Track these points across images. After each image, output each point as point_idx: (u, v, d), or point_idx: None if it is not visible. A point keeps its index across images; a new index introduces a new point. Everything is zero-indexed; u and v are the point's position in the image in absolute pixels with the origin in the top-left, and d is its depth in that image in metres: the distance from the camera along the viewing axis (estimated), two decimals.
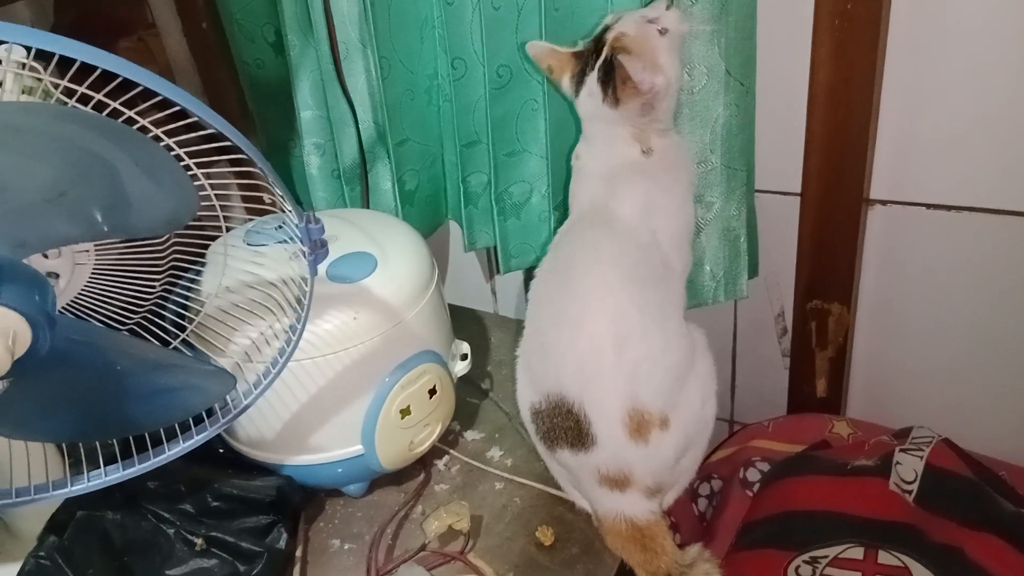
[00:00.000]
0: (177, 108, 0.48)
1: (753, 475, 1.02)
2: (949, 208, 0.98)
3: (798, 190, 1.03)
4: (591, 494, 0.79)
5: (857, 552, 0.83)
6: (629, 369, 0.76)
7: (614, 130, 0.87)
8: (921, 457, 0.92)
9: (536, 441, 0.85)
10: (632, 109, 0.84)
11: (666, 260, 0.85)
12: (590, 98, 0.87)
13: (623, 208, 0.84)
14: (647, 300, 0.80)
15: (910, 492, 0.89)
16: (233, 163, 0.58)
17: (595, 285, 0.80)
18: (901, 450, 0.93)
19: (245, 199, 0.69)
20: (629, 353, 0.77)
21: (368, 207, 1.11)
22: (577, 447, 0.78)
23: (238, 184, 0.64)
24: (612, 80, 0.84)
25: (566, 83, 0.89)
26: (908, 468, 0.91)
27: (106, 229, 0.54)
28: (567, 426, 0.78)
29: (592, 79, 0.86)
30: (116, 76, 0.45)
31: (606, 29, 0.85)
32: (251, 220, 0.83)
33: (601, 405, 0.77)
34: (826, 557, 0.84)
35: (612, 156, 0.87)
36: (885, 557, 0.82)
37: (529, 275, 1.25)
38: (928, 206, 0.99)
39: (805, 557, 0.85)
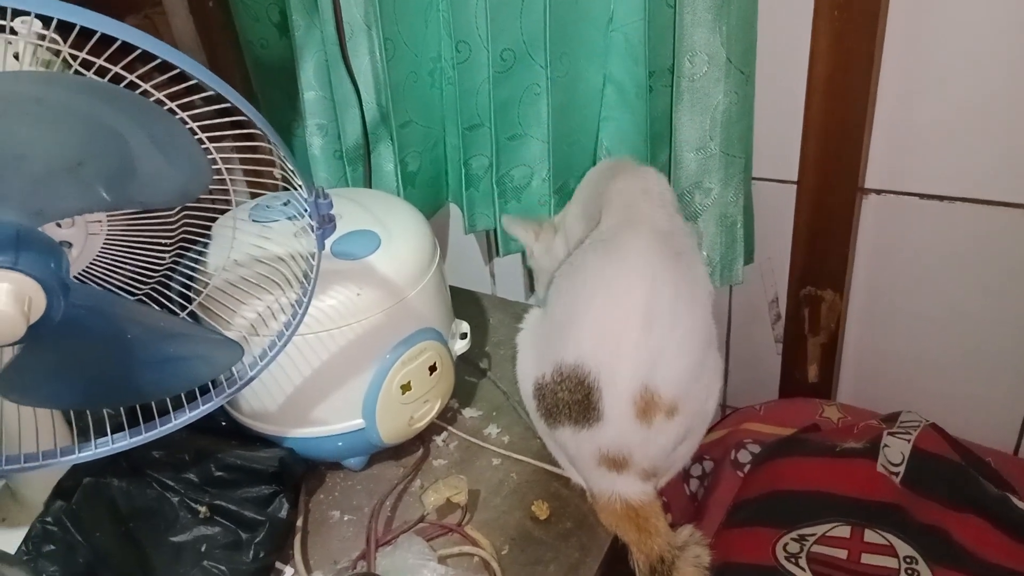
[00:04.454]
0: (191, 83, 0.49)
1: (744, 456, 1.03)
2: (942, 198, 0.99)
3: (794, 178, 1.05)
4: (588, 473, 0.80)
5: (844, 531, 0.85)
6: (652, 349, 0.76)
7: None
8: (908, 440, 0.93)
9: (536, 419, 0.84)
10: None
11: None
12: None
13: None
14: (684, 281, 0.79)
15: (897, 474, 0.91)
16: (236, 139, 0.60)
17: (639, 253, 0.79)
18: (889, 433, 0.95)
19: (249, 174, 0.69)
20: (655, 333, 0.76)
21: (370, 188, 1.12)
22: (581, 423, 0.78)
23: (241, 159, 0.65)
24: None
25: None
26: (895, 451, 0.93)
27: (119, 200, 0.55)
28: (575, 400, 0.77)
29: None
30: (131, 49, 0.46)
31: None
32: (255, 196, 0.84)
33: (615, 377, 0.76)
34: (814, 535, 0.86)
35: None
36: (871, 536, 0.84)
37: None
38: (921, 196, 1.00)
39: (793, 535, 0.87)
